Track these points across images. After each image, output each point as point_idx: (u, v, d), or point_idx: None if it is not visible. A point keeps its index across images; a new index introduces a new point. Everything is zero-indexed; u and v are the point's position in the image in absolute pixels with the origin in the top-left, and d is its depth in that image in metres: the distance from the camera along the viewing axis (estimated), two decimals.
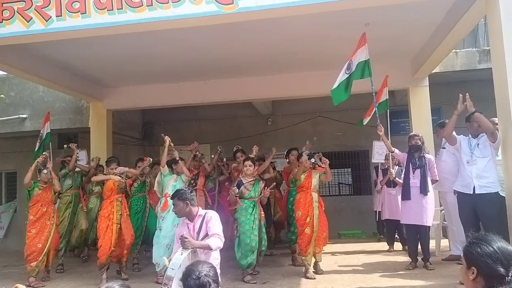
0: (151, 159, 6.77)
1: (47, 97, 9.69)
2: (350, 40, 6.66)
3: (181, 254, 3.33)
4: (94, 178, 6.75)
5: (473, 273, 1.65)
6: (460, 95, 4.72)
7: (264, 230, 5.70)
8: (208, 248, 3.49)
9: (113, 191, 5.92)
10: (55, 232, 6.07)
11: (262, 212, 5.69)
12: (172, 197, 3.84)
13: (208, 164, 7.26)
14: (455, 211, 5.29)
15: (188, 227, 3.71)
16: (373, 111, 5.90)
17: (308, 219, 5.54)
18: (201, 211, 3.79)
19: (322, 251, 5.85)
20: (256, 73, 8.32)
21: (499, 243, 1.65)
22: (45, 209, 6.01)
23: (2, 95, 8.73)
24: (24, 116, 9.67)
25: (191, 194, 3.77)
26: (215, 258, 3.62)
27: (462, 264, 1.75)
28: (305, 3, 4.67)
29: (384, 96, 6.51)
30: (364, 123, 6.73)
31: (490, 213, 4.51)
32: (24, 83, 9.34)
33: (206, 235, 3.62)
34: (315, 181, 5.72)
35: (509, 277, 1.58)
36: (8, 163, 10.90)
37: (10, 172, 11.29)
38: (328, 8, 4.86)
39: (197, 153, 6.99)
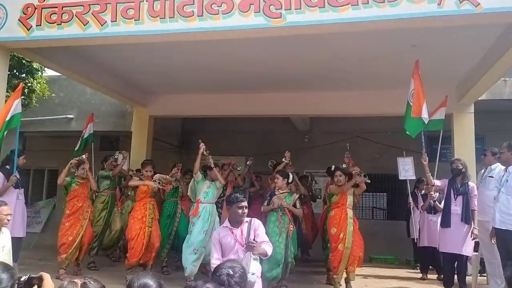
0: (181, 165, 6.98)
1: (94, 99, 10.09)
2: (395, 62, 6.67)
3: (255, 259, 3.31)
4: (130, 183, 6.70)
5: None
6: None
7: (292, 244, 5.68)
8: (265, 255, 3.48)
9: (147, 194, 6.13)
10: (87, 227, 6.31)
11: (292, 226, 5.66)
12: (232, 203, 3.70)
13: (239, 175, 7.35)
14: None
15: (233, 233, 3.68)
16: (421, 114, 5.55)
17: (341, 235, 5.53)
18: (246, 218, 3.79)
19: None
20: (297, 88, 8.35)
21: None
22: (81, 204, 6.31)
23: (52, 94, 9.12)
24: (71, 116, 10.10)
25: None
26: (257, 269, 3.56)
27: None
28: (352, 21, 4.66)
29: (440, 115, 6.39)
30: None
31: None
32: (73, 85, 9.76)
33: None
34: (350, 197, 5.68)
35: None
36: (51, 161, 11.34)
37: (52, 170, 11.74)
38: (376, 26, 4.83)
39: (233, 167, 7.10)
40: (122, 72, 8.09)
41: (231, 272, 2.05)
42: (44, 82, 8.40)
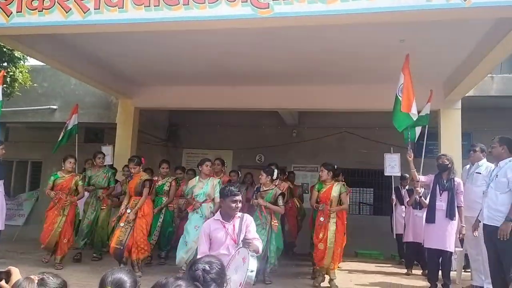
0: None
1: (78, 90, 9.89)
2: (384, 56, 6.63)
3: (252, 256, 3.17)
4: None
5: None
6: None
7: (277, 239, 5.68)
8: (257, 251, 3.37)
9: (131, 191, 6.22)
10: (65, 223, 6.21)
11: (275, 222, 5.64)
12: (226, 196, 3.57)
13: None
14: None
15: (225, 227, 3.55)
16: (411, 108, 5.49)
17: (321, 235, 5.54)
18: (238, 213, 3.67)
19: (338, 268, 5.73)
20: (285, 82, 8.27)
21: None
22: (61, 197, 6.28)
23: (35, 84, 8.92)
24: (55, 107, 9.90)
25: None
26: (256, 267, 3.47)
27: None
28: (340, 13, 4.58)
29: (426, 110, 6.38)
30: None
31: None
32: (57, 75, 9.56)
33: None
34: (334, 197, 5.60)
35: None
36: (35, 152, 11.14)
37: (36, 162, 11.54)
38: (364, 19, 4.76)
39: None
40: (107, 63, 7.92)
41: (208, 268, 1.94)
42: (27, 71, 8.19)
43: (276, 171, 6.01)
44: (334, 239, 5.47)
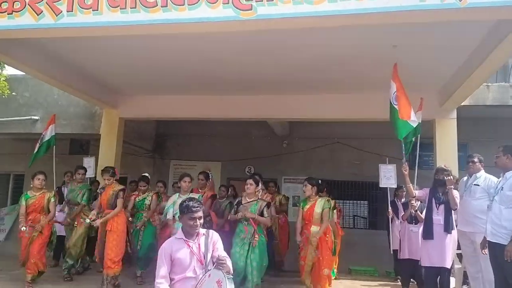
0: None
1: (61, 100, 9.55)
2: (376, 63, 6.35)
3: (229, 278, 2.91)
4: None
5: None
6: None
7: (260, 255, 5.31)
8: (230, 272, 3.05)
9: (103, 205, 6.04)
10: (35, 241, 5.86)
11: (257, 237, 5.29)
12: (183, 213, 3.25)
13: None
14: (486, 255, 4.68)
15: (189, 246, 3.19)
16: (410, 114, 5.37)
17: (302, 253, 5.47)
18: (201, 230, 3.32)
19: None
20: (274, 91, 7.97)
21: None
22: (34, 216, 6.01)
23: (13, 93, 8.56)
24: (36, 117, 9.54)
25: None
26: None
27: None
28: (328, 14, 4.29)
29: (418, 119, 6.11)
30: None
31: None
32: (40, 84, 9.22)
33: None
34: (317, 213, 5.39)
35: None
36: (17, 164, 10.76)
37: (18, 174, 11.15)
38: (354, 21, 4.45)
39: None
40: (89, 71, 7.60)
41: None
42: (4, 79, 7.84)
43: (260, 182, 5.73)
44: (316, 257, 5.40)
